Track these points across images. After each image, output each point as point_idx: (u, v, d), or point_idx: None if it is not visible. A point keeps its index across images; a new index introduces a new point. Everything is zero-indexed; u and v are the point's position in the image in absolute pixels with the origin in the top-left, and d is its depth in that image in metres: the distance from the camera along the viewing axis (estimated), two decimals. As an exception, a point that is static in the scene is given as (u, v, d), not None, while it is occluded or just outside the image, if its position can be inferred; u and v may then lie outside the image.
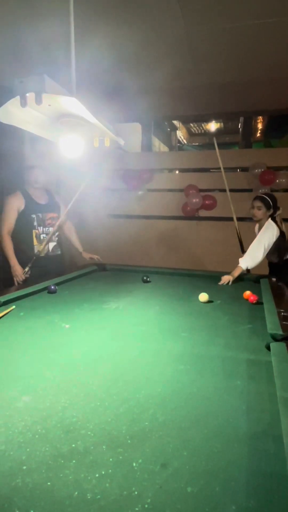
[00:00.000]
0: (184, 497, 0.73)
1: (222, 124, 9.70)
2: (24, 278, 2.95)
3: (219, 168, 3.65)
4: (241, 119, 6.51)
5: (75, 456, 0.84)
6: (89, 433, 0.92)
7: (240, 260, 2.83)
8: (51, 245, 3.16)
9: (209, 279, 2.81)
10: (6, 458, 0.83)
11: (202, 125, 10.23)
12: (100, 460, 0.83)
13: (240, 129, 7.01)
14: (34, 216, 3.05)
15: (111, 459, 0.83)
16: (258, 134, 6.74)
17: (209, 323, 1.82)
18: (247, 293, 2.24)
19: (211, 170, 4.70)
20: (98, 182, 4.42)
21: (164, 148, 9.08)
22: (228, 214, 3.78)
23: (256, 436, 0.92)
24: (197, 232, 4.68)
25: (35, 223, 3.06)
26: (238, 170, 4.71)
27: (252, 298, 2.16)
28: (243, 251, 3.31)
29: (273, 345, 1.42)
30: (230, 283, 2.67)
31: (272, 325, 1.61)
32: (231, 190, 3.83)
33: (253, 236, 3.01)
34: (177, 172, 5.23)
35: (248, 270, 2.91)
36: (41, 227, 3.07)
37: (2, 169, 3.92)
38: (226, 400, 1.10)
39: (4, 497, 0.72)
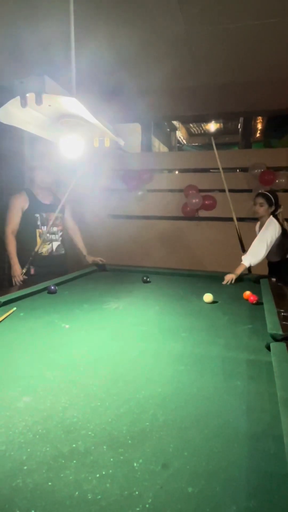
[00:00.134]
0: (184, 497, 0.73)
1: (221, 124, 9.70)
2: (22, 279, 2.94)
3: (219, 169, 3.66)
4: (241, 119, 6.52)
5: (76, 456, 0.84)
6: (89, 433, 0.92)
7: (243, 257, 2.84)
8: (55, 244, 3.14)
9: (209, 279, 2.81)
10: (6, 458, 0.83)
11: (202, 125, 10.23)
12: (101, 460, 0.83)
13: (240, 129, 7.02)
14: (37, 215, 3.04)
15: (111, 459, 0.83)
16: (258, 135, 6.74)
17: (209, 323, 1.82)
18: (247, 293, 2.24)
19: (210, 171, 4.70)
20: (90, 179, 4.40)
21: (163, 149, 9.08)
22: (228, 214, 3.78)
23: (256, 436, 0.93)
24: (197, 233, 4.68)
25: (39, 222, 3.05)
26: (238, 170, 4.71)
27: (252, 298, 2.16)
28: (244, 250, 3.32)
29: (273, 345, 1.42)
30: (233, 281, 2.68)
31: (272, 325, 1.62)
32: (230, 191, 3.83)
33: (253, 236, 3.01)
34: (176, 172, 5.23)
35: (249, 270, 2.91)
36: (45, 227, 3.07)
37: (2, 169, 3.92)
38: (226, 400, 1.10)
39: (4, 497, 0.72)
